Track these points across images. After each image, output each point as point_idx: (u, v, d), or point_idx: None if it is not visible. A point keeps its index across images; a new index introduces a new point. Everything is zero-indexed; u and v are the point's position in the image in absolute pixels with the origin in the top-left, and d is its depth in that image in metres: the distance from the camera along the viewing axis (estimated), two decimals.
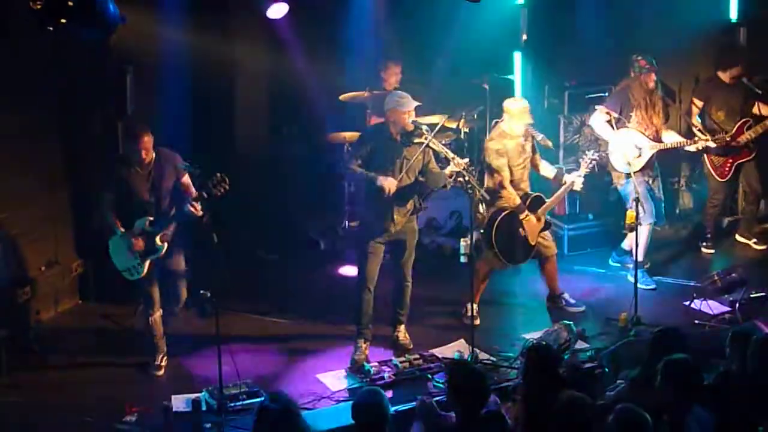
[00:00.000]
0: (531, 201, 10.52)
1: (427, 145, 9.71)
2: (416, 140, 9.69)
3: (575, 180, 10.57)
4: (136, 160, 9.35)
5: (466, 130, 12.93)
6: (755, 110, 11.92)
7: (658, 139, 11.44)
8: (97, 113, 11.19)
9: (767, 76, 12.42)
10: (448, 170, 9.80)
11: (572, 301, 10.99)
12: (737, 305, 10.54)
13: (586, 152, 10.83)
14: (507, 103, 10.57)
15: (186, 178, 9.54)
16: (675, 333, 7.93)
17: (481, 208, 10.67)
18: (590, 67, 13.36)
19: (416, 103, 9.72)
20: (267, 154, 13.10)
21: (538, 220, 10.56)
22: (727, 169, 12.16)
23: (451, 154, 9.77)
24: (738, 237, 12.73)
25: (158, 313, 9.67)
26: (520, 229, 10.46)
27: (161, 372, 9.67)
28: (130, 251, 9.41)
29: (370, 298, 9.97)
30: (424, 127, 9.72)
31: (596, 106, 11.75)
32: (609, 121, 11.42)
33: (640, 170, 11.31)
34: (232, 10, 12.46)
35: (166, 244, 9.44)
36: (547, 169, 10.80)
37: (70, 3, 8.73)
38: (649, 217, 11.36)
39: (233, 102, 12.88)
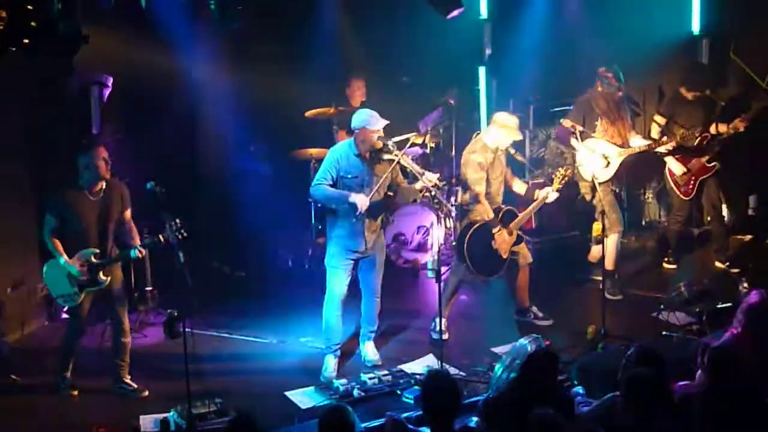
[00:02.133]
0: (503, 215, 10.54)
1: (396, 162, 9.72)
2: (385, 157, 9.71)
3: (550, 195, 10.59)
4: (91, 178, 9.11)
5: (432, 144, 12.95)
6: (713, 129, 11.95)
7: (625, 145, 11.49)
8: (63, 134, 11.13)
9: (729, 89, 12.53)
10: (418, 185, 9.82)
11: (540, 314, 11.02)
12: (704, 316, 10.57)
13: (559, 168, 10.86)
14: (499, 116, 10.59)
15: (128, 213, 9.40)
16: (651, 353, 7.91)
17: (448, 222, 10.70)
18: (554, 81, 13.39)
19: (385, 122, 9.73)
20: (232, 172, 13.07)
21: (510, 234, 10.58)
22: (690, 187, 12.20)
23: (419, 170, 9.78)
24: (716, 261, 12.72)
25: (79, 337, 9.62)
26: (492, 243, 10.48)
27: (73, 391, 9.59)
28: (69, 280, 9.23)
29: (339, 315, 9.97)
30: (392, 144, 9.73)
31: (560, 120, 11.78)
32: (574, 134, 11.43)
33: (610, 179, 11.37)
34: (196, 29, 12.43)
35: (108, 278, 9.32)
36: (518, 185, 10.84)
37: (33, 24, 8.70)
38: (618, 224, 11.42)
39: (198, 120, 12.86)
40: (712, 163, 12.11)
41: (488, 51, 13.59)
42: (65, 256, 9.17)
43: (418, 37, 12.89)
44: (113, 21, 10.93)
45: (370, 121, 9.66)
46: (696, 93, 12.04)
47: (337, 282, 9.89)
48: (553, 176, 10.74)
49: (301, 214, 12.79)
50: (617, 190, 11.55)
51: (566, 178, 10.66)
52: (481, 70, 13.47)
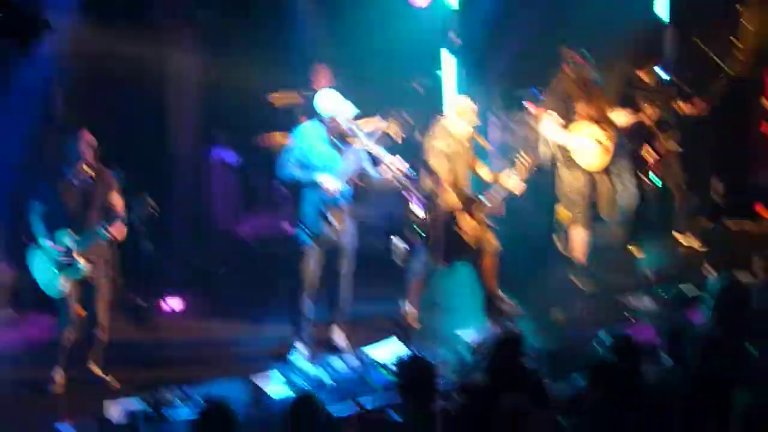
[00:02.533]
0: (468, 201, 10.54)
1: (363, 148, 9.72)
2: (352, 143, 9.71)
3: (514, 183, 10.60)
4: (75, 161, 9.08)
5: (399, 131, 12.92)
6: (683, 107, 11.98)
7: (608, 122, 11.40)
8: (26, 121, 11.04)
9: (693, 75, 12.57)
10: (383, 172, 9.82)
11: (508, 300, 11.04)
12: (669, 301, 10.63)
13: (525, 156, 10.83)
14: (456, 102, 10.60)
15: (114, 197, 9.32)
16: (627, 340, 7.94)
17: (416, 209, 10.68)
18: (521, 68, 13.40)
19: (355, 111, 9.74)
20: (199, 159, 13.04)
21: (475, 220, 10.59)
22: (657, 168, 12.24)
23: (386, 156, 9.78)
24: (675, 234, 12.80)
25: (69, 332, 9.44)
26: (457, 229, 10.48)
27: (57, 388, 9.45)
28: (53, 268, 9.19)
29: (308, 300, 9.97)
30: (357, 129, 9.73)
31: (545, 111, 11.67)
32: (562, 124, 11.29)
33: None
34: (161, 15, 12.38)
35: (90, 267, 9.25)
36: (483, 170, 10.84)
37: None
38: (586, 221, 11.49)
39: (163, 107, 12.81)
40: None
41: (453, 36, 13.57)
42: (50, 243, 9.13)
43: (385, 22, 12.86)
44: (77, 6, 10.90)
45: (339, 110, 9.65)
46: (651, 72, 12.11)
47: (307, 267, 9.88)
48: (519, 164, 10.71)
49: (269, 201, 12.78)
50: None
51: (532, 167, 10.65)
52: (448, 56, 13.45)
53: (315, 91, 12.14)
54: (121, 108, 11.77)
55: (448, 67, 13.46)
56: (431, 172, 10.42)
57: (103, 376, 9.50)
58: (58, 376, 9.49)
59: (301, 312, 9.98)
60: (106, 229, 9.07)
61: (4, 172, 10.98)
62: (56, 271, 9.17)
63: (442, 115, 10.69)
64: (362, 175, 9.92)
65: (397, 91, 13.24)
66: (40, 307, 10.67)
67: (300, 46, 13.13)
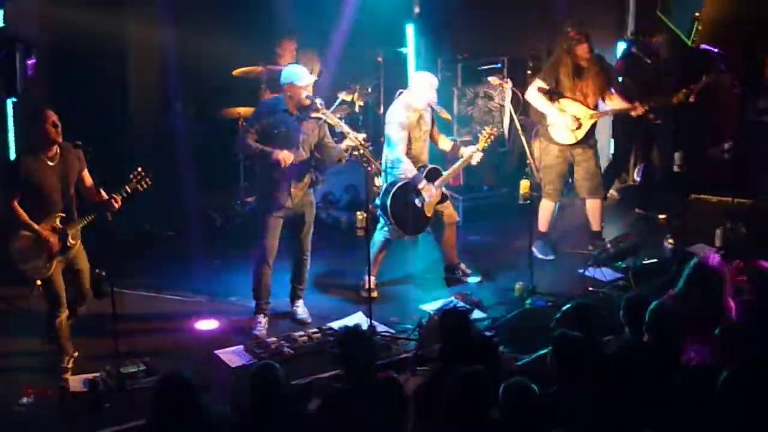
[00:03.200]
0: (428, 173, 10.56)
1: (324, 120, 9.73)
2: (313, 115, 9.71)
3: (473, 154, 10.62)
4: (45, 143, 8.80)
5: (361, 103, 12.94)
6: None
7: (595, 107, 11.41)
8: None
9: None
10: (344, 145, 9.83)
11: (468, 271, 11.09)
12: (630, 272, 10.70)
13: (485, 127, 10.88)
14: (417, 75, 10.64)
15: (86, 172, 9.08)
16: (588, 308, 7.99)
17: (378, 181, 10.72)
18: (482, 39, 13.42)
19: (313, 78, 9.75)
20: (161, 131, 13.00)
21: (435, 191, 10.61)
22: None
23: (347, 129, 9.80)
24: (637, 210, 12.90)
25: (65, 315, 9.19)
26: (417, 201, 10.50)
27: (68, 374, 9.15)
28: (38, 251, 8.90)
29: (269, 273, 9.99)
30: (319, 102, 9.73)
31: (489, 78, 11.73)
32: (546, 93, 11.31)
33: (580, 142, 11.38)
34: None
35: (77, 242, 9.10)
36: (444, 142, 10.87)
37: None
38: (556, 196, 11.56)
39: (125, 78, 12.76)
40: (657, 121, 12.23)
41: (417, 9, 13.57)
42: (34, 226, 8.85)
43: None
44: None
45: (298, 76, 9.66)
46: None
47: (267, 240, 9.89)
48: (479, 135, 10.76)
49: (229, 173, 12.74)
50: (578, 156, 11.43)
51: (492, 137, 10.68)
52: (410, 28, 13.44)
53: (279, 65, 12.17)
54: (82, 79, 11.69)
55: (412, 40, 13.46)
56: (391, 144, 10.43)
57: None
58: (68, 363, 9.25)
59: (262, 283, 9.98)
60: (110, 205, 8.88)
61: None
62: (45, 257, 8.91)
63: (403, 89, 10.67)
64: (322, 146, 9.91)
65: (360, 64, 13.24)
66: None
67: (265, 18, 13.06)
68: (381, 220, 10.62)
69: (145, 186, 8.97)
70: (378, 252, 10.71)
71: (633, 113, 11.57)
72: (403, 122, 10.41)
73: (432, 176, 10.57)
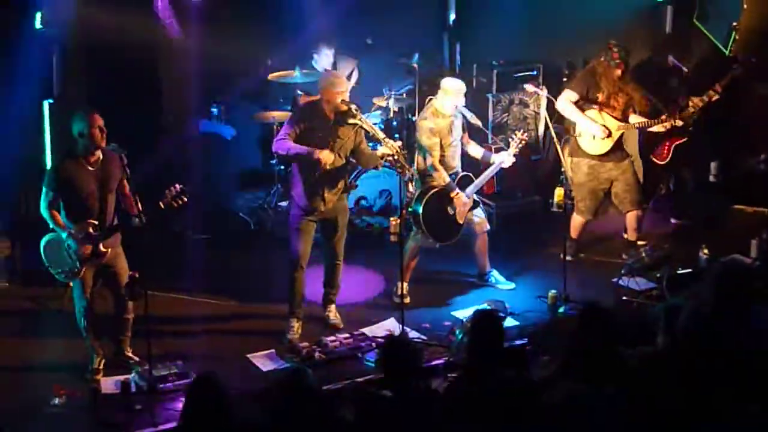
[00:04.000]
0: (460, 180, 10.55)
1: (360, 126, 9.72)
2: (349, 120, 9.70)
3: (505, 159, 10.60)
4: (88, 148, 8.77)
5: (395, 109, 12.94)
6: (690, 103, 11.92)
7: (625, 120, 11.32)
8: (23, 95, 11.01)
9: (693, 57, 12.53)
10: (379, 151, 9.81)
11: (501, 279, 11.06)
12: (664, 282, 10.63)
13: (516, 132, 10.87)
14: (444, 82, 10.61)
15: (125, 180, 8.97)
16: (600, 310, 7.90)
17: (411, 187, 10.71)
18: (518, 46, 13.39)
19: (350, 85, 9.76)
20: (195, 134, 13.02)
21: (467, 199, 10.59)
22: (665, 151, 12.23)
23: (382, 135, 9.78)
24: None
25: (90, 314, 9.19)
26: (449, 208, 10.50)
27: (100, 375, 9.19)
28: (69, 254, 8.89)
29: (302, 277, 9.98)
30: (355, 107, 9.72)
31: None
32: (576, 103, 11.30)
33: (607, 154, 11.29)
34: None
35: (108, 250, 9.00)
36: (475, 149, 10.85)
37: None
38: (588, 213, 11.50)
39: (160, 81, 12.76)
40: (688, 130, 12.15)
41: (452, 15, 13.56)
42: (67, 230, 8.84)
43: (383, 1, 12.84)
44: None
45: (335, 82, 9.66)
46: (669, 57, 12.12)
47: (300, 244, 9.88)
48: (510, 140, 10.74)
49: (263, 177, 12.76)
50: (613, 173, 11.36)
51: (523, 142, 10.66)
52: (445, 35, 13.44)
53: (315, 69, 12.18)
54: (118, 82, 11.72)
55: (447, 46, 13.46)
56: (423, 152, 10.42)
57: (135, 358, 9.34)
58: (99, 364, 9.29)
59: (295, 288, 9.98)
60: (139, 218, 8.77)
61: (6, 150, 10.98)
62: (77, 262, 8.89)
63: (433, 96, 10.66)
64: (358, 152, 9.90)
65: (393, 70, 13.25)
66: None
67: (301, 23, 13.09)
68: (416, 226, 10.60)
69: (180, 203, 8.90)
70: (410, 258, 10.69)
71: (661, 127, 11.49)
72: (433, 128, 10.40)
73: (464, 184, 10.55)
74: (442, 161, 10.49)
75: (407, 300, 10.43)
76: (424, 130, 10.42)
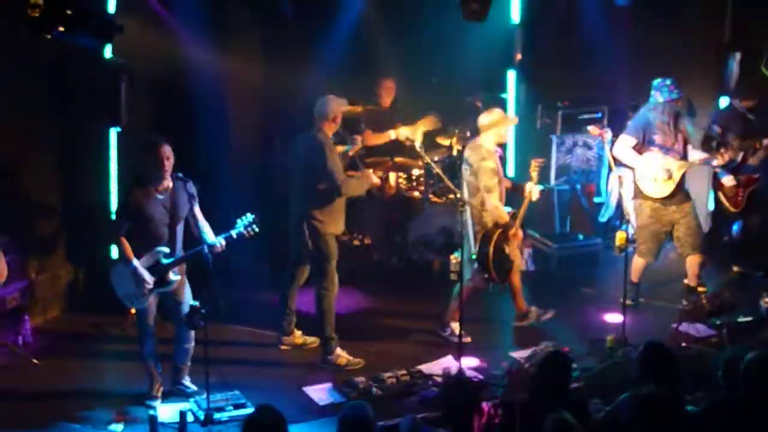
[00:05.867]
0: (511, 216, 10.57)
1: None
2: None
3: (532, 189, 10.55)
4: (157, 176, 8.86)
5: (459, 147, 12.97)
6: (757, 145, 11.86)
7: (684, 158, 11.28)
8: (92, 123, 11.17)
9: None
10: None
11: (541, 311, 11.04)
12: (724, 329, 10.55)
13: (531, 160, 10.74)
14: (485, 120, 10.60)
15: (197, 209, 9.11)
16: (662, 348, 7.83)
17: (470, 225, 10.69)
18: (583, 87, 13.38)
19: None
20: (260, 166, 13.11)
21: (518, 234, 10.61)
22: (740, 198, 12.20)
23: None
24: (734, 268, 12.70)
25: (152, 341, 9.28)
26: (506, 246, 10.49)
27: (158, 403, 9.26)
28: (137, 283, 8.95)
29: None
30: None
31: (588, 128, 11.66)
32: (634, 147, 11.25)
33: (670, 197, 11.24)
34: (227, 20, 12.47)
35: (178, 278, 9.12)
36: (507, 182, 10.90)
37: (69, 11, 8.75)
38: (650, 255, 11.45)
39: (226, 113, 12.88)
40: (757, 175, 12.09)
41: (518, 56, 13.58)
42: (135, 260, 8.91)
43: (448, 37, 12.87)
44: (148, 11, 11.04)
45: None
46: (749, 103, 12.06)
47: (335, 263, 10.22)
48: (530, 170, 10.64)
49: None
50: (675, 216, 11.32)
51: (538, 167, 10.57)
52: (511, 75, 13.46)
53: (378, 104, 12.25)
54: (184, 114, 11.86)
55: (513, 86, 13.47)
56: (479, 192, 10.45)
57: (193, 387, 9.44)
58: (157, 391, 9.39)
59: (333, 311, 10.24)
60: (209, 248, 8.94)
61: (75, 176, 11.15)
62: (143, 290, 8.97)
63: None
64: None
65: (459, 108, 13.28)
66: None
67: (364, 56, 13.17)
68: (467, 268, 10.56)
69: (252, 234, 9.03)
70: (468, 298, 10.65)
71: (717, 162, 11.46)
72: (494, 168, 10.43)
73: (516, 220, 10.56)
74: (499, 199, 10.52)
75: (469, 339, 10.42)
76: (486, 170, 10.40)
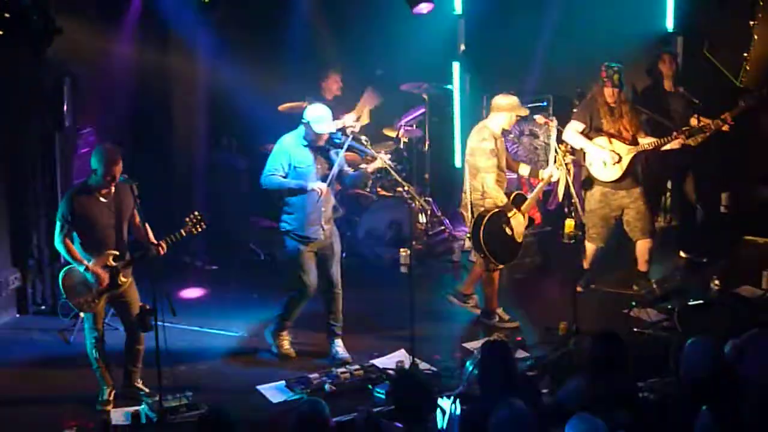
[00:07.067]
0: (514, 198, 10.56)
1: (345, 150, 9.90)
2: (332, 150, 9.95)
3: (552, 173, 10.59)
4: (103, 186, 8.77)
5: (405, 139, 12.95)
6: (693, 122, 11.84)
7: (634, 143, 11.29)
8: (34, 126, 11.02)
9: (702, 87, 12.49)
10: (370, 167, 10.14)
11: (506, 316, 10.99)
12: (675, 313, 10.59)
13: (560, 145, 10.78)
14: (501, 101, 10.62)
15: (136, 209, 8.98)
16: (614, 339, 7.84)
17: (421, 218, 10.68)
18: (528, 78, 13.37)
19: (331, 129, 9.96)
20: (206, 165, 13.04)
21: (523, 216, 10.58)
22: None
23: (371, 152, 9.95)
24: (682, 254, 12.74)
25: (101, 344, 9.18)
26: (507, 228, 10.47)
27: (110, 407, 9.15)
28: (86, 286, 8.92)
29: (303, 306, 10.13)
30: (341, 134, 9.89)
31: (534, 116, 11.65)
32: (583, 131, 11.32)
33: (619, 181, 11.27)
34: (171, 18, 12.38)
35: (128, 280, 9.09)
36: (523, 168, 10.93)
37: (6, 15, 8.64)
38: (599, 240, 11.49)
39: (171, 113, 12.80)
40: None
41: (462, 47, 13.58)
42: (84, 262, 8.84)
43: (392, 30, 12.85)
44: (86, 12, 10.93)
45: (318, 121, 9.80)
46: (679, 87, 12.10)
47: (309, 275, 9.90)
48: (555, 155, 10.67)
49: (274, 207, 12.75)
50: (625, 201, 11.34)
51: (567, 154, 10.63)
52: (455, 66, 13.45)
53: (325, 99, 12.20)
54: (129, 113, 11.77)
55: (458, 77, 13.47)
56: (478, 174, 10.45)
57: (146, 389, 9.30)
58: (110, 395, 9.27)
59: (294, 310, 10.13)
60: (156, 248, 8.89)
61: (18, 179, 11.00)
62: (94, 292, 8.93)
63: (484, 117, 10.69)
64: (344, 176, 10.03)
65: (402, 100, 13.27)
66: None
67: (308, 52, 13.13)
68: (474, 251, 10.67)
69: (199, 230, 9.02)
70: (490, 284, 10.76)
71: (673, 145, 11.46)
72: (492, 149, 10.44)
73: (518, 202, 10.56)
74: (497, 182, 10.51)
75: (515, 323, 10.67)
76: (484, 152, 10.40)
